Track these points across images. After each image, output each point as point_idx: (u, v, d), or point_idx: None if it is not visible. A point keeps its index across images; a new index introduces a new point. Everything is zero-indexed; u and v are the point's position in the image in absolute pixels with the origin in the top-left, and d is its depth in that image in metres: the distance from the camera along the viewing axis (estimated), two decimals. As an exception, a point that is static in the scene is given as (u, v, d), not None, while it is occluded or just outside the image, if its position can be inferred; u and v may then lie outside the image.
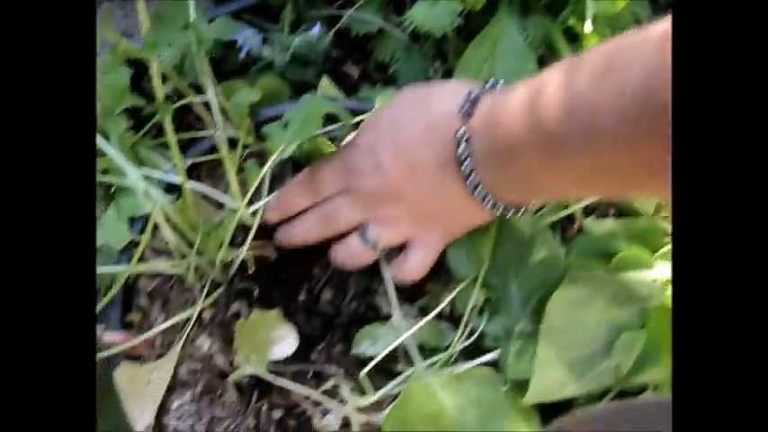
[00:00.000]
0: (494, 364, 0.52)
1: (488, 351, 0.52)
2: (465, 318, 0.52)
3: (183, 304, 0.55)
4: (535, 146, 0.43)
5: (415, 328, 0.52)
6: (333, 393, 0.53)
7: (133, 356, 0.53)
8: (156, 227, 0.52)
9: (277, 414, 0.53)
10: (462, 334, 0.52)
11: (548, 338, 0.49)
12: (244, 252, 0.54)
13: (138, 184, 0.53)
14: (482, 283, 0.53)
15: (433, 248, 0.53)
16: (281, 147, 0.49)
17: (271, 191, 0.56)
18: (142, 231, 0.53)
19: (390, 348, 0.52)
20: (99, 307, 0.52)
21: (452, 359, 0.52)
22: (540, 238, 0.53)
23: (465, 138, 0.47)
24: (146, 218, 0.54)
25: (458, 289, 0.53)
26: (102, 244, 0.53)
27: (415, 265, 0.53)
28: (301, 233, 0.55)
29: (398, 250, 0.54)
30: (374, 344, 0.53)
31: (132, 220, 0.54)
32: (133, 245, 0.53)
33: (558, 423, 0.36)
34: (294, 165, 0.58)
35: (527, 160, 0.44)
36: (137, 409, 0.50)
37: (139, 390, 0.51)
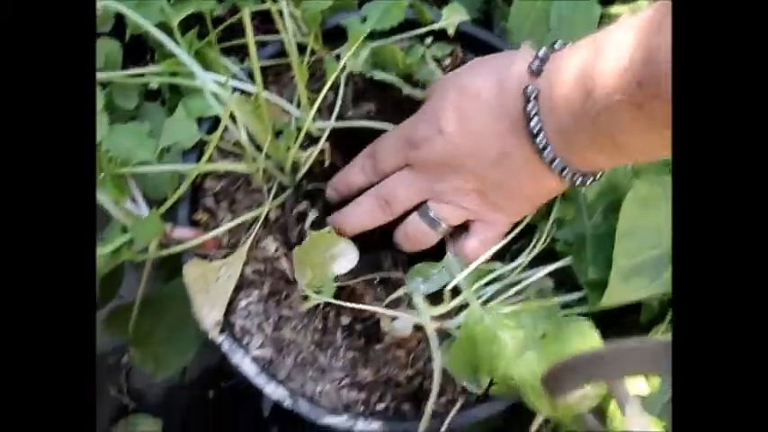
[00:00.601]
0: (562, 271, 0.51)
1: (561, 257, 0.51)
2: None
3: (249, 205, 0.54)
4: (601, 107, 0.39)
5: (467, 271, 0.51)
6: (401, 301, 0.52)
7: (200, 255, 0.53)
8: (225, 128, 0.52)
9: (345, 319, 0.52)
10: (535, 241, 0.52)
11: (622, 241, 0.48)
12: (312, 157, 0.54)
13: (207, 85, 0.53)
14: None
15: (497, 229, 0.50)
16: (359, 39, 0.49)
17: (343, 102, 0.55)
18: (209, 132, 0.53)
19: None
20: (167, 204, 0.52)
21: (523, 268, 0.51)
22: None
23: (534, 94, 0.43)
24: (214, 119, 0.54)
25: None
26: (171, 143, 0.52)
27: (476, 249, 0.50)
28: (357, 218, 0.52)
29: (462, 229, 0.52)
30: (426, 281, 0.52)
31: (200, 121, 0.54)
32: (201, 145, 0.53)
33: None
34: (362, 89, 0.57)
35: (596, 122, 0.40)
36: (205, 305, 0.50)
37: (208, 286, 0.51)
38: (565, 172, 0.44)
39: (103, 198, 0.52)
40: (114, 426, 0.73)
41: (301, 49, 0.55)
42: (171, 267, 0.67)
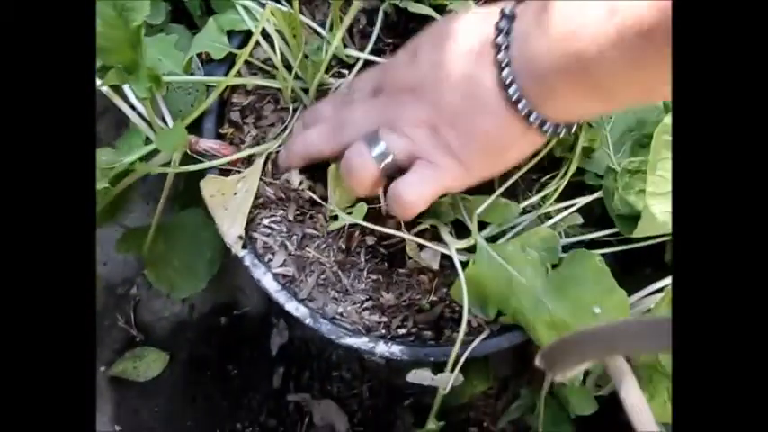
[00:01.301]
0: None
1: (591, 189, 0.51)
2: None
3: (275, 122, 0.53)
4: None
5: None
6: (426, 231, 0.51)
7: (224, 171, 0.52)
8: (256, 43, 0.51)
9: (370, 240, 0.51)
10: (563, 172, 0.51)
11: (654, 171, 0.47)
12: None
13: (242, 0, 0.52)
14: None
15: (443, 175, 0.43)
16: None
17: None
18: (239, 48, 0.52)
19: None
20: (194, 115, 0.51)
21: (551, 202, 0.51)
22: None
23: (506, 28, 0.38)
24: (245, 34, 0.53)
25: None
26: (200, 51, 0.51)
27: (408, 187, 0.43)
28: (305, 142, 0.48)
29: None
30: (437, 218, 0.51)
31: (230, 36, 0.53)
32: (230, 60, 0.52)
33: (556, 341, 0.35)
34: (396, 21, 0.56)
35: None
36: (225, 220, 0.49)
37: (226, 202, 0.50)
38: (533, 117, 0.39)
39: (127, 108, 0.51)
40: (121, 356, 0.72)
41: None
42: (185, 199, 0.66)
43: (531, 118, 0.39)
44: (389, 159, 0.43)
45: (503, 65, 0.38)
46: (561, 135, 0.41)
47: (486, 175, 0.44)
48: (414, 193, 0.43)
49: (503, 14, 0.38)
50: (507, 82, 0.38)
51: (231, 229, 0.49)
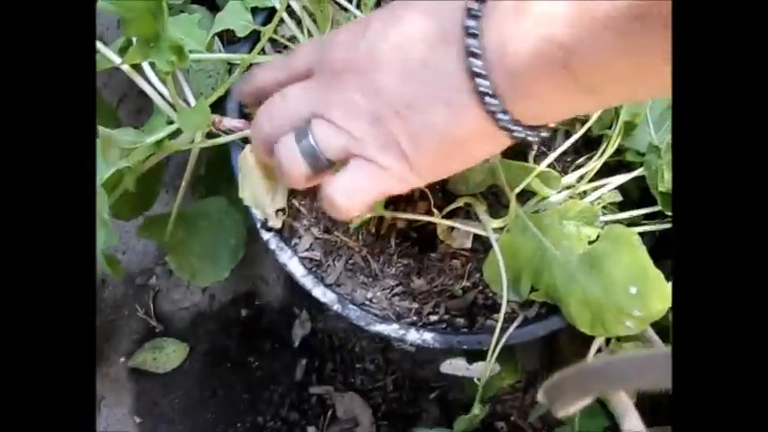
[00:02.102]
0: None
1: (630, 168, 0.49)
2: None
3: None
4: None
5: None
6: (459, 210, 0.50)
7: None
8: (281, 20, 0.49)
9: (400, 224, 0.50)
10: (603, 149, 0.49)
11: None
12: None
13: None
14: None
15: (382, 176, 0.36)
16: None
17: None
18: (264, 25, 0.51)
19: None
20: (217, 94, 0.49)
21: (592, 176, 0.49)
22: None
23: (479, 7, 0.32)
24: (270, 10, 0.51)
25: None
26: (223, 28, 0.50)
27: (341, 189, 0.36)
28: (254, 129, 0.40)
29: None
30: (467, 184, 0.48)
31: (255, 13, 0.51)
32: (255, 38, 0.51)
33: (558, 376, 0.34)
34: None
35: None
36: (268, 193, 0.47)
37: (269, 173, 0.47)
38: (502, 116, 0.33)
39: (149, 89, 0.49)
40: (140, 347, 0.70)
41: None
42: (205, 185, 0.65)
43: (500, 116, 0.32)
44: (320, 157, 0.36)
45: (473, 52, 0.32)
46: (528, 140, 0.35)
47: (434, 178, 0.37)
48: (346, 198, 0.36)
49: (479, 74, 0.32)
50: (477, 72, 0.32)
51: (273, 201, 0.47)
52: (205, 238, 0.59)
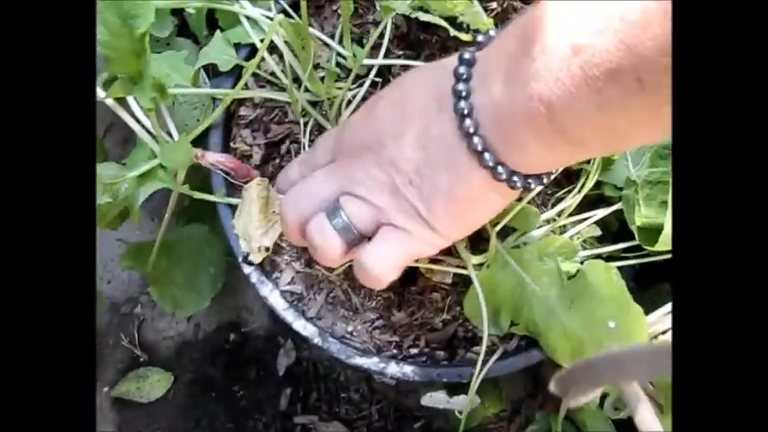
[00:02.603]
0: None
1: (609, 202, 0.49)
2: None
3: (285, 136, 0.52)
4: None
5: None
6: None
7: (234, 183, 0.50)
8: (264, 56, 0.50)
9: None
10: (581, 184, 0.49)
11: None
12: (358, 97, 0.52)
13: (247, 10, 0.51)
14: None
15: (410, 241, 0.39)
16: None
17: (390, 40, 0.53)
18: (247, 60, 0.51)
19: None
20: (199, 129, 0.49)
21: (572, 211, 0.49)
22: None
23: (466, 71, 0.35)
24: (252, 47, 0.52)
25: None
26: (207, 63, 0.50)
27: (374, 256, 0.39)
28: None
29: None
30: None
31: (238, 49, 0.52)
32: (238, 73, 0.51)
33: (571, 366, 0.35)
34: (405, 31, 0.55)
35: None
36: (261, 227, 0.47)
37: (267, 210, 0.47)
38: (500, 170, 0.35)
39: (132, 122, 0.50)
40: (124, 377, 0.70)
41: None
42: (189, 214, 0.65)
43: (499, 170, 0.35)
44: (353, 231, 0.39)
45: (464, 114, 0.34)
46: (533, 188, 0.37)
47: (458, 236, 0.40)
48: (380, 265, 0.39)
49: (461, 60, 0.35)
50: (470, 131, 0.34)
51: (262, 237, 0.47)
52: (186, 267, 0.59)
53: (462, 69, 0.34)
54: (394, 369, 0.47)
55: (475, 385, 0.47)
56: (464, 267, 0.47)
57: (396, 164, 0.37)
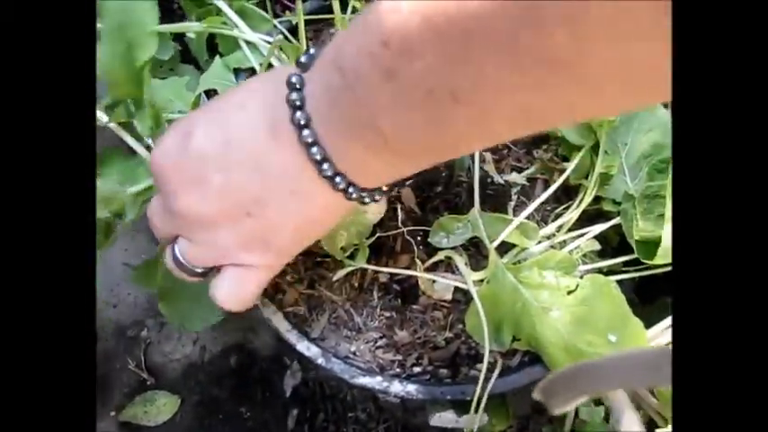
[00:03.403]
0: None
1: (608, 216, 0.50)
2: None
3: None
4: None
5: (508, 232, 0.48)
6: (441, 263, 0.50)
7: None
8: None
9: (383, 277, 0.50)
10: (579, 200, 0.50)
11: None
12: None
13: (246, 35, 0.52)
14: (594, 150, 0.50)
15: (255, 275, 0.38)
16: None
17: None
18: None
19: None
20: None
21: (571, 226, 0.50)
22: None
23: (297, 83, 0.32)
24: (251, 70, 0.53)
25: (576, 160, 0.50)
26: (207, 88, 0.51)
27: (225, 296, 0.38)
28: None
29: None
30: (447, 237, 0.50)
31: (237, 72, 0.52)
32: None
33: (555, 374, 0.35)
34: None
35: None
36: None
37: None
38: (338, 180, 0.33)
39: (134, 142, 0.50)
40: (131, 400, 0.70)
41: (344, 4, 0.54)
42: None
43: (338, 181, 0.33)
44: (196, 269, 0.38)
45: (302, 123, 0.32)
46: (377, 200, 0.36)
47: (298, 251, 0.39)
48: (230, 300, 0.38)
49: (291, 86, 0.32)
50: (308, 143, 0.32)
51: None
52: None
53: (294, 96, 0.32)
54: (398, 388, 0.47)
55: (481, 403, 0.47)
56: (465, 284, 0.48)
57: (225, 195, 0.34)
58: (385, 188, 0.36)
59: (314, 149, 0.32)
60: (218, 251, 0.36)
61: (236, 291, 0.38)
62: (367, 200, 0.35)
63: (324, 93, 0.31)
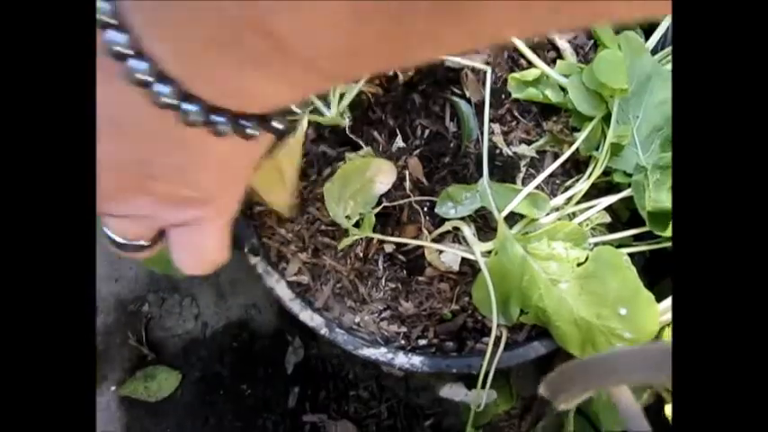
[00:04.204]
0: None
1: (618, 189, 0.49)
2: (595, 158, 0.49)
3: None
4: None
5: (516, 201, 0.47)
6: (447, 233, 0.49)
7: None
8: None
9: (388, 247, 0.49)
10: (591, 173, 0.49)
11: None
12: (356, 87, 0.51)
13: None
14: (605, 121, 0.49)
15: (202, 228, 0.32)
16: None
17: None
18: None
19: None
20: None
21: (581, 198, 0.49)
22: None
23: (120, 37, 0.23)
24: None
25: (587, 131, 0.49)
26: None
27: (181, 261, 0.33)
28: None
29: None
30: (455, 207, 0.49)
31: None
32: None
33: (560, 369, 0.34)
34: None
35: None
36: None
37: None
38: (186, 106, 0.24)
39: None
40: (132, 376, 0.70)
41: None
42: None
43: (184, 106, 0.24)
44: (132, 244, 0.33)
45: (122, 52, 0.24)
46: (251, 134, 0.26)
47: (234, 198, 0.33)
48: (193, 263, 0.33)
49: (105, 24, 0.23)
50: (140, 79, 0.24)
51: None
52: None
53: (104, 5, 0.23)
54: (402, 360, 0.46)
55: (488, 377, 0.46)
56: (472, 255, 0.47)
57: (112, 168, 0.29)
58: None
59: (132, 62, 0.24)
60: (147, 220, 0.32)
61: (193, 252, 0.33)
62: (250, 131, 0.26)
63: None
